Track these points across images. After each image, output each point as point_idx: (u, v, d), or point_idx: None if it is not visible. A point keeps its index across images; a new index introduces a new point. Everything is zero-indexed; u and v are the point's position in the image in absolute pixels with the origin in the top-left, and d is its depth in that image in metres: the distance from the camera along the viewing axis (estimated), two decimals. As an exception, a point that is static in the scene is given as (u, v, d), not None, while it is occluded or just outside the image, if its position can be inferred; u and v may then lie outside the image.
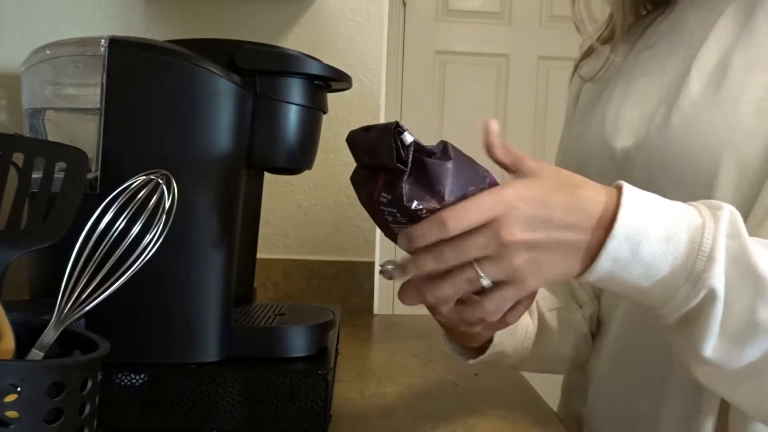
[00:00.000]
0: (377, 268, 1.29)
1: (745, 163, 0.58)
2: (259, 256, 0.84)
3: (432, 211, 0.49)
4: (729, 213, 0.50)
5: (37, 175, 0.58)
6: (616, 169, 0.68)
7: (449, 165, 0.50)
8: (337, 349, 0.82)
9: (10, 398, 0.43)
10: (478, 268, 0.49)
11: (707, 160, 0.59)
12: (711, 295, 0.49)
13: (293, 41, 1.27)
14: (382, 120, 1.29)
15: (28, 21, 0.83)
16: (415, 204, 0.49)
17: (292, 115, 0.69)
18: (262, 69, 0.67)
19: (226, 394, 0.63)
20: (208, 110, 0.64)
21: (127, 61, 0.64)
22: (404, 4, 2.38)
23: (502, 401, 0.79)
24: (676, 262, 0.49)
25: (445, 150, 0.51)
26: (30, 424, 0.44)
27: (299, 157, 0.71)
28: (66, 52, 0.65)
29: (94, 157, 0.63)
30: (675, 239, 0.49)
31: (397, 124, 0.49)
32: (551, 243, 0.49)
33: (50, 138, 0.67)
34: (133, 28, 1.19)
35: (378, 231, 1.29)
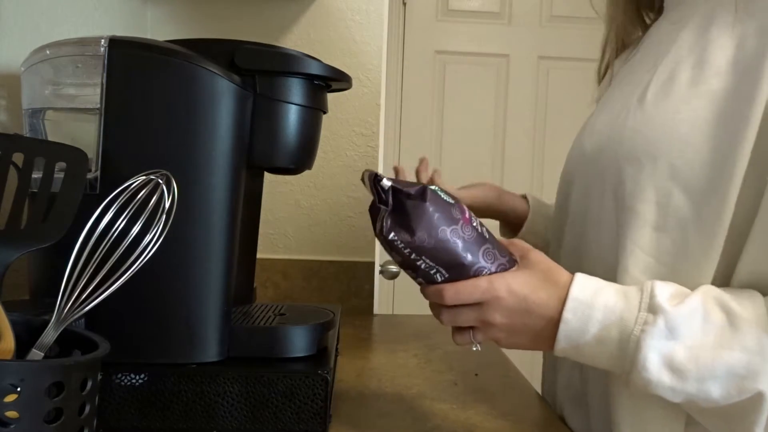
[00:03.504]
0: (377, 268, 1.30)
1: (677, 171, 0.60)
2: (259, 256, 0.84)
3: (405, 243, 0.59)
4: (663, 321, 0.56)
5: (37, 175, 0.58)
6: (584, 170, 0.73)
7: (425, 205, 0.59)
8: (337, 349, 0.82)
9: (10, 398, 0.43)
10: (472, 340, 0.63)
11: (648, 163, 0.62)
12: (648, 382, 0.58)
13: (293, 41, 1.27)
14: (382, 120, 1.29)
15: (28, 21, 0.83)
16: (392, 235, 0.59)
17: (292, 115, 0.69)
18: (262, 69, 0.67)
19: (226, 394, 0.63)
20: (208, 110, 0.64)
21: (127, 61, 0.64)
22: (404, 4, 2.38)
23: (502, 401, 0.79)
24: (612, 360, 0.59)
25: (422, 193, 0.59)
26: (30, 424, 0.44)
27: (299, 157, 0.71)
28: (66, 52, 0.65)
29: (94, 157, 0.63)
30: (607, 342, 0.59)
31: (376, 174, 0.60)
32: (525, 328, 0.61)
33: (50, 138, 0.67)
34: (133, 28, 1.19)
35: (378, 231, 1.29)
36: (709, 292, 0.58)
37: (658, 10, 0.77)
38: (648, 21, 0.79)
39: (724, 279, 0.60)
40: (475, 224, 0.61)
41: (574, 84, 2.34)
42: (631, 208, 0.63)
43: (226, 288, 0.66)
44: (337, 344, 0.82)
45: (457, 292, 0.60)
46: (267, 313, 0.75)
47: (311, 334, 0.69)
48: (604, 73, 0.82)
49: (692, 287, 0.59)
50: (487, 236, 0.62)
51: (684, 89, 0.62)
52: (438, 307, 0.63)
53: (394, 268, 1.32)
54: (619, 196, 0.64)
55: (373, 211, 0.61)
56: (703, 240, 0.59)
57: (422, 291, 0.64)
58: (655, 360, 0.56)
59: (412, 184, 0.60)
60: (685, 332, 0.56)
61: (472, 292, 0.60)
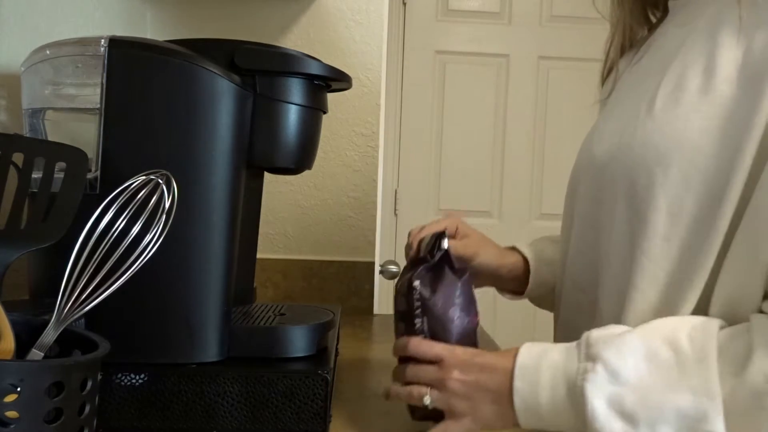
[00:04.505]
0: (377, 268, 1.30)
1: (690, 180, 0.59)
2: (259, 256, 0.84)
3: (421, 297, 0.65)
4: (602, 366, 0.56)
5: (37, 175, 0.58)
6: (594, 177, 0.72)
7: (458, 283, 0.65)
8: (337, 349, 0.82)
9: (10, 398, 0.43)
10: (427, 391, 0.63)
11: (660, 172, 0.61)
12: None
13: (293, 41, 1.27)
14: (382, 120, 1.29)
15: (28, 21, 0.83)
16: (416, 283, 0.65)
17: (292, 115, 0.69)
18: (262, 69, 0.67)
19: (226, 394, 0.63)
20: (208, 110, 0.64)
21: (127, 61, 0.64)
22: (404, 4, 2.38)
23: (502, 401, 0.78)
24: (571, 421, 0.58)
25: (462, 272, 0.66)
26: (30, 424, 0.44)
27: (299, 157, 0.71)
28: (66, 52, 0.65)
29: (94, 157, 0.63)
30: (559, 401, 0.58)
31: (443, 232, 0.67)
32: (481, 388, 0.61)
33: (50, 138, 0.67)
34: (133, 28, 1.19)
35: (378, 231, 1.29)
36: (658, 328, 0.57)
37: (663, 9, 0.76)
38: (654, 19, 0.78)
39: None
40: (478, 331, 0.68)
41: (574, 84, 2.34)
42: (644, 217, 0.62)
43: (226, 288, 0.66)
44: (337, 344, 0.82)
45: (420, 343, 0.65)
46: (267, 313, 0.75)
47: (311, 334, 0.69)
48: (607, 74, 0.82)
49: (700, 301, 0.59)
50: (478, 346, 0.67)
51: (693, 97, 0.61)
52: (402, 364, 0.67)
53: (394, 268, 1.32)
54: (632, 205, 0.63)
55: (414, 264, 0.68)
56: (715, 251, 0.58)
57: (393, 347, 0.68)
58: (602, 407, 0.55)
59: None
60: (629, 374, 0.55)
61: (430, 347, 0.64)
